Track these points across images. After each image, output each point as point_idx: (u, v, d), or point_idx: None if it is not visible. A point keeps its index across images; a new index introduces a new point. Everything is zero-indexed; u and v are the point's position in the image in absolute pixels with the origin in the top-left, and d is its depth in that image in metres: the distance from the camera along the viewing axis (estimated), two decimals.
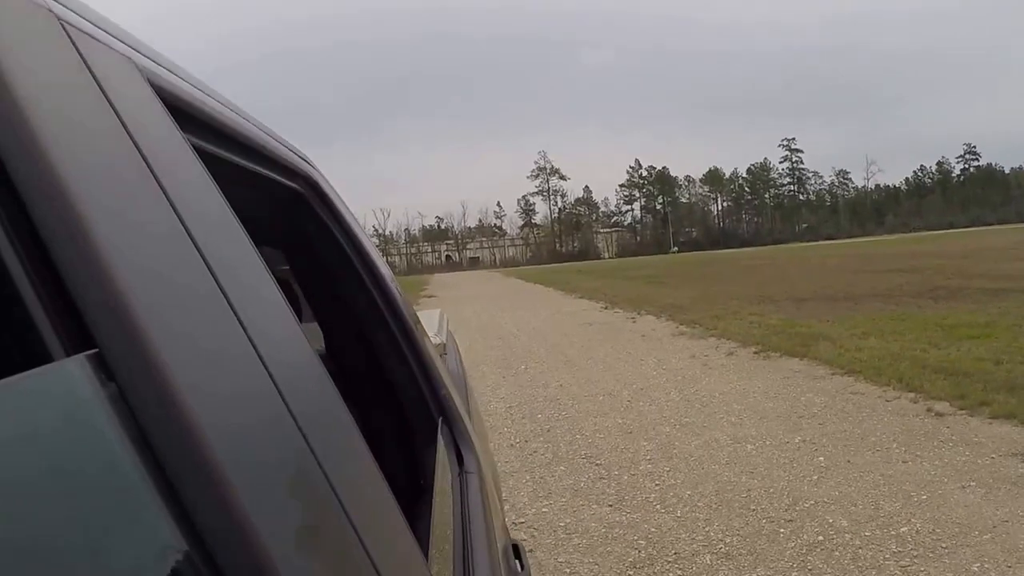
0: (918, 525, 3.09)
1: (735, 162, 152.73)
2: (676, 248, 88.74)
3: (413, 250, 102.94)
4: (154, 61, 0.62)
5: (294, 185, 1.13)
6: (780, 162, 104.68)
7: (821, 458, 4.08)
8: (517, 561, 1.30)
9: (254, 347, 0.45)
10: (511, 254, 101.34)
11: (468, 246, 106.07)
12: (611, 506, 3.58)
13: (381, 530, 0.56)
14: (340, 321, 1.36)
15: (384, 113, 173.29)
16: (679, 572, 2.84)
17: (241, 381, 0.42)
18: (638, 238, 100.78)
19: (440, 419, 1.32)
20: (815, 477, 3.78)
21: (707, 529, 3.22)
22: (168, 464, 0.31)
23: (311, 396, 0.55)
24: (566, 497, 3.76)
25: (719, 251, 72.04)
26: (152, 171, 0.45)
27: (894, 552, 2.87)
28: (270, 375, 0.45)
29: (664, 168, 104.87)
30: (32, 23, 0.41)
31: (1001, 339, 7.20)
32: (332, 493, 0.47)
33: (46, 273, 0.31)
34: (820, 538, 3.04)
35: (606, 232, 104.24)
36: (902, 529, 3.07)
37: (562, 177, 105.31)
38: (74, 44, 0.44)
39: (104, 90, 0.45)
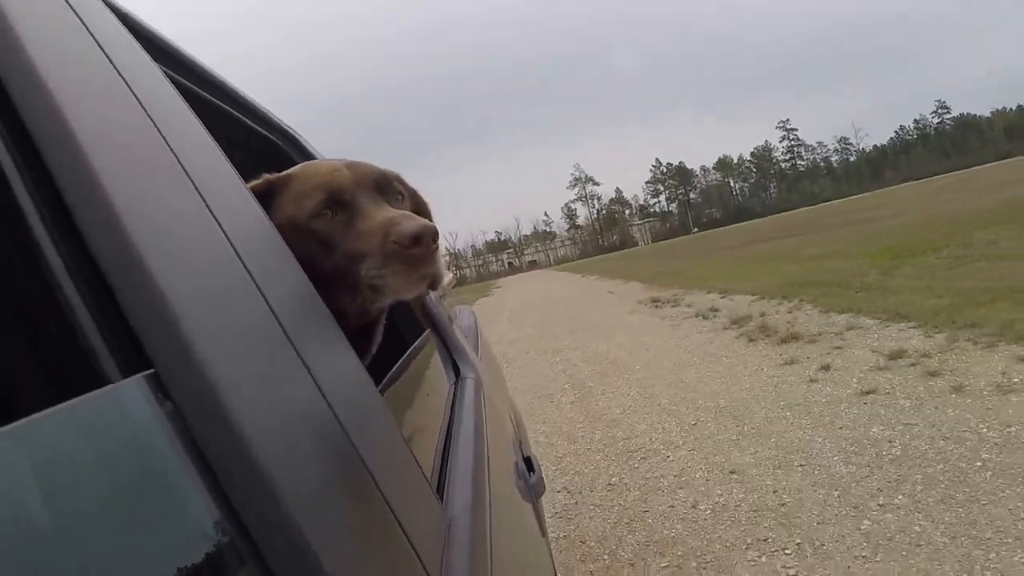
0: (603, 308, 14.91)
1: (742, 145, 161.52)
2: (696, 229, 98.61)
3: (479, 262, 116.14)
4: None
5: (274, 139, 1.22)
6: (780, 141, 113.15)
7: (589, 302, 15.90)
8: (531, 472, 1.33)
9: (301, 359, 0.45)
10: (562, 253, 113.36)
11: (526, 251, 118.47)
12: (526, 304, 15.68)
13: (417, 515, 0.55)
14: None
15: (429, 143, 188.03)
16: (540, 307, 14.84)
17: (289, 391, 0.42)
18: (667, 225, 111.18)
19: (428, 330, 1.41)
20: (573, 292, 15.66)
21: (541, 294, 15.22)
22: (225, 478, 0.31)
23: (356, 400, 0.55)
24: (529, 317, 15.89)
25: (733, 225, 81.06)
26: (194, 185, 0.46)
27: (567, 296, 14.70)
28: (317, 384, 0.45)
29: (681, 163, 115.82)
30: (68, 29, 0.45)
31: (744, 261, 18.52)
32: (387, 506, 0.47)
33: (102, 297, 0.32)
34: (562, 309, 14.98)
35: (640, 223, 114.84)
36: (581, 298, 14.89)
37: (595, 183, 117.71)
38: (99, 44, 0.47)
39: (154, 121, 0.47)
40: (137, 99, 0.47)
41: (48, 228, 0.32)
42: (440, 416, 1.04)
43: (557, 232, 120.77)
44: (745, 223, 77.35)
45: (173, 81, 0.62)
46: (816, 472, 3.02)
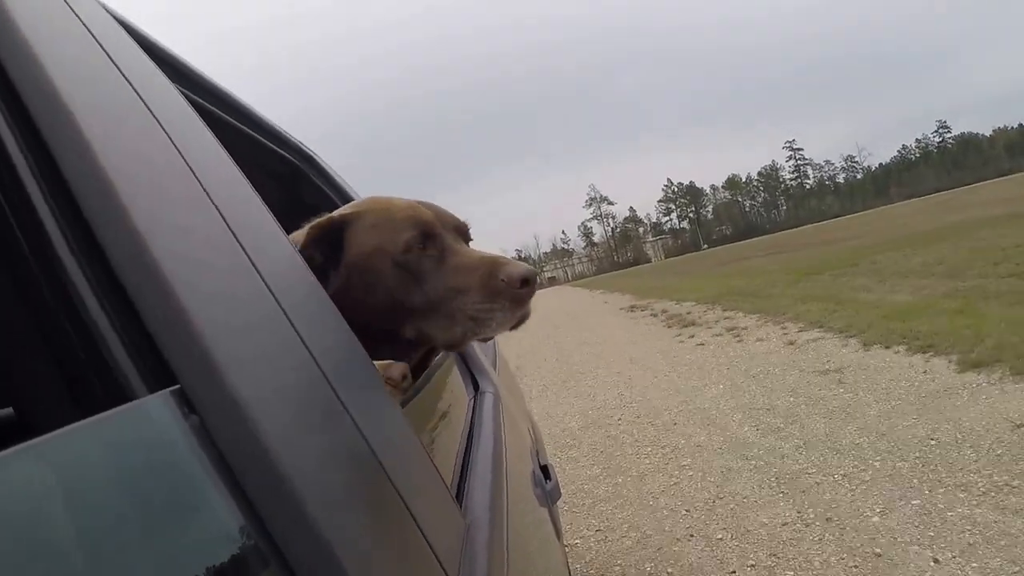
0: (581, 303, 18.55)
1: (752, 165, 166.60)
2: (706, 246, 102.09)
3: None
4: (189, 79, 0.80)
5: (290, 157, 1.22)
6: (786, 161, 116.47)
7: (588, 310, 19.54)
8: (548, 479, 1.36)
9: (324, 375, 0.46)
10: (579, 270, 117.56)
11: (545, 268, 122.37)
12: (543, 316, 19.44)
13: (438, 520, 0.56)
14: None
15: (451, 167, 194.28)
16: (552, 317, 18.55)
17: (312, 405, 0.43)
18: (679, 241, 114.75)
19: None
20: (579, 304, 19.31)
21: (554, 307, 18.95)
22: (249, 487, 0.31)
23: (379, 414, 0.56)
24: (542, 323, 19.65)
25: (740, 242, 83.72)
26: (221, 213, 0.47)
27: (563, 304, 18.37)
28: (339, 399, 0.47)
29: (692, 182, 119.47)
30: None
31: (714, 280, 22.06)
32: (410, 517, 0.48)
33: (129, 317, 0.33)
34: (566, 317, 18.70)
35: (653, 240, 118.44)
36: (576, 303, 18.54)
37: (610, 203, 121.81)
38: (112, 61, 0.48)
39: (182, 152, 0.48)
40: (163, 128, 0.48)
41: (77, 254, 0.33)
42: (460, 428, 1.06)
43: (574, 249, 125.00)
44: (752, 240, 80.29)
45: (196, 105, 0.64)
46: (651, 370, 6.71)
